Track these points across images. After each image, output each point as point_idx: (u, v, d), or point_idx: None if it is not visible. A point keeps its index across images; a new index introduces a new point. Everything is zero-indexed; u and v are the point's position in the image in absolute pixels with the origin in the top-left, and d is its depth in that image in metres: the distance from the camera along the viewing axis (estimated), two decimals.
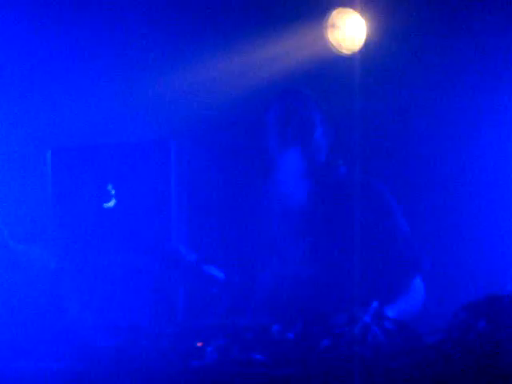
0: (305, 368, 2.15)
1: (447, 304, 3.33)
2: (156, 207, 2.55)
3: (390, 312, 2.77)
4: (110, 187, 2.61)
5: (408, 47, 4.14)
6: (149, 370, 2.27)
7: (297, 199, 3.49)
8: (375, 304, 2.33)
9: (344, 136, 3.59)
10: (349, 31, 4.07)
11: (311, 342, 2.25)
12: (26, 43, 4.27)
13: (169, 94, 4.31)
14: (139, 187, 2.59)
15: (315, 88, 3.75)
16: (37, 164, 2.93)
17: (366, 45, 4.07)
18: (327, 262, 3.28)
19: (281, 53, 4.27)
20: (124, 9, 4.31)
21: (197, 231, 4.12)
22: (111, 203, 2.61)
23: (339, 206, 3.36)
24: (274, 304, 3.20)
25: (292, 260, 3.31)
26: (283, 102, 3.51)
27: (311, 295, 3.21)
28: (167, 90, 4.31)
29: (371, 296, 2.81)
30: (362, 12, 4.05)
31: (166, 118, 4.27)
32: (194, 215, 4.46)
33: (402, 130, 4.25)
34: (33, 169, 3.53)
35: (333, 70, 4.14)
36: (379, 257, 3.17)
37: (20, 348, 2.48)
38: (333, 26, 4.04)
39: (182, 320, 2.55)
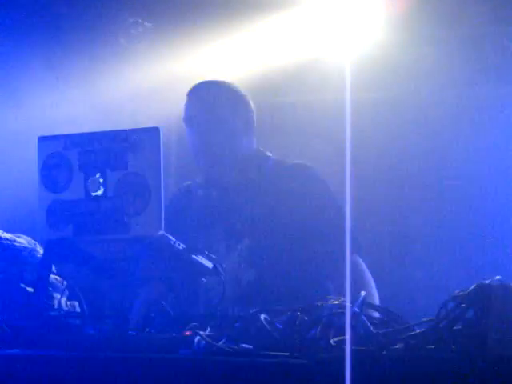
0: (293, 357, 2.15)
1: (435, 294, 3.35)
2: (145, 196, 2.54)
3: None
4: (98, 175, 2.60)
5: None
6: (136, 358, 2.27)
7: (224, 195, 3.37)
8: (364, 293, 2.33)
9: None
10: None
11: (299, 331, 2.25)
12: None
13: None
14: (127, 176, 2.57)
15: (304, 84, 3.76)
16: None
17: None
18: (268, 260, 3.20)
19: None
20: None
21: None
22: (99, 192, 2.60)
23: (269, 198, 3.28)
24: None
25: (231, 262, 3.22)
26: (195, 96, 3.41)
27: (256, 295, 3.15)
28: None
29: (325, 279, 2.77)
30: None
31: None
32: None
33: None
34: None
35: None
36: (318, 241, 3.10)
37: (10, 336, 2.48)
38: None
39: (170, 309, 2.54)
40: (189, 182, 3.56)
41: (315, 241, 3.19)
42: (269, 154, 3.46)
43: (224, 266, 2.78)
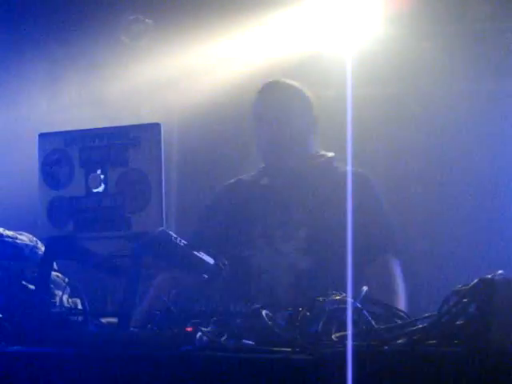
0: (295, 353, 2.14)
1: (437, 289, 3.34)
2: (146, 192, 2.53)
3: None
4: (99, 172, 2.59)
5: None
6: (138, 355, 2.27)
7: (287, 186, 3.50)
8: (365, 288, 2.33)
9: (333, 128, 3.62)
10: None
11: (301, 327, 2.25)
12: None
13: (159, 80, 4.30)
14: (128, 172, 2.57)
15: (306, 79, 3.76)
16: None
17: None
18: (322, 251, 3.36)
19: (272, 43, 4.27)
20: None
21: (186, 217, 4.12)
22: (100, 188, 2.59)
23: (329, 195, 3.42)
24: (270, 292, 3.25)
25: (286, 249, 3.39)
26: (268, 94, 3.52)
27: (306, 284, 3.31)
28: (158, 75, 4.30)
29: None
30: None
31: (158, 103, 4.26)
32: (184, 201, 4.46)
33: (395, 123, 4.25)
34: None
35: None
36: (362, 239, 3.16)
37: (11, 333, 2.47)
38: None
39: (172, 305, 2.54)
40: (243, 176, 3.72)
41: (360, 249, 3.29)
42: (330, 154, 3.62)
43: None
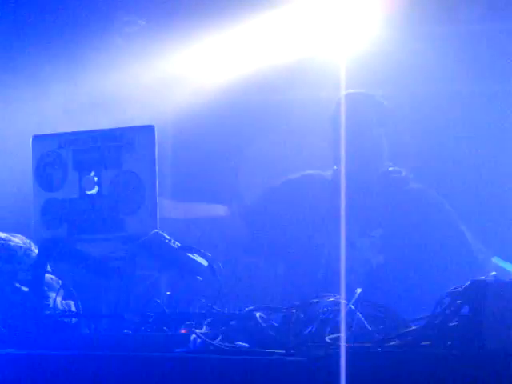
0: (289, 355, 2.15)
1: (431, 291, 3.35)
2: (140, 194, 2.53)
3: None
4: (92, 174, 2.59)
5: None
6: (132, 357, 2.27)
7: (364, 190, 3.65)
8: (359, 291, 2.33)
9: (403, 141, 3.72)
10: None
11: (295, 328, 2.25)
12: None
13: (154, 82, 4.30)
14: (122, 174, 2.57)
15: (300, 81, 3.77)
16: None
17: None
18: (398, 250, 3.58)
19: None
20: None
21: (180, 218, 4.12)
22: (94, 190, 2.59)
23: (404, 205, 3.64)
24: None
25: (363, 246, 3.60)
26: (349, 103, 3.66)
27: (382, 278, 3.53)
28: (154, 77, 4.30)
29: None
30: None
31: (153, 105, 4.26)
32: (180, 201, 4.45)
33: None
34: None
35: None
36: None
37: (5, 335, 2.47)
38: None
39: (166, 307, 2.54)
40: (311, 172, 3.83)
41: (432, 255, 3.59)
42: (404, 173, 3.77)
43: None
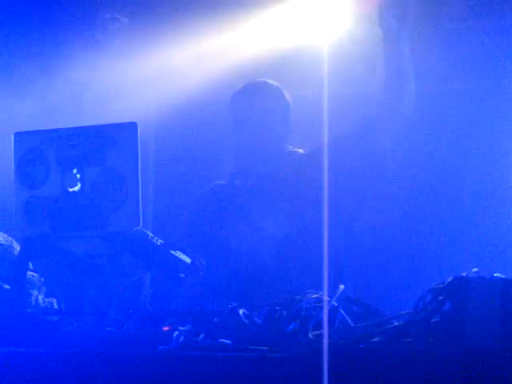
0: (272, 352, 2.15)
1: (413, 287, 3.36)
2: (123, 191, 2.53)
3: None
4: (75, 171, 2.59)
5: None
6: (114, 354, 2.26)
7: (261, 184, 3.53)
8: (342, 287, 2.34)
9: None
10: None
11: (278, 325, 2.25)
12: None
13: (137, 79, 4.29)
14: (105, 171, 2.56)
15: (283, 78, 3.78)
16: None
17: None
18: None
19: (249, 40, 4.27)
20: None
21: (163, 216, 4.11)
22: (77, 188, 2.58)
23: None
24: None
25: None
26: (250, 96, 3.53)
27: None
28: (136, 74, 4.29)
29: None
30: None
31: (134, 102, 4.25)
32: (161, 200, 4.45)
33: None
34: None
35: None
36: None
37: None
38: None
39: (149, 305, 2.54)
40: (222, 181, 3.78)
41: None
42: (301, 151, 3.70)
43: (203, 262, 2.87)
